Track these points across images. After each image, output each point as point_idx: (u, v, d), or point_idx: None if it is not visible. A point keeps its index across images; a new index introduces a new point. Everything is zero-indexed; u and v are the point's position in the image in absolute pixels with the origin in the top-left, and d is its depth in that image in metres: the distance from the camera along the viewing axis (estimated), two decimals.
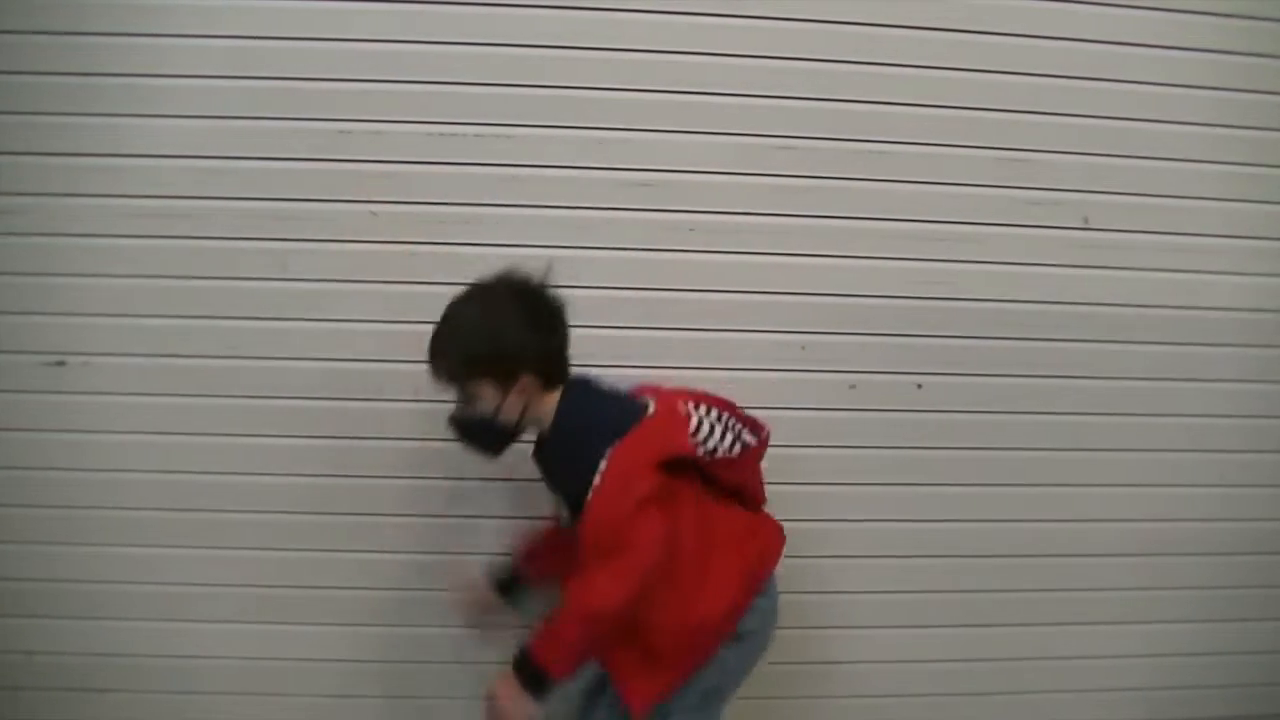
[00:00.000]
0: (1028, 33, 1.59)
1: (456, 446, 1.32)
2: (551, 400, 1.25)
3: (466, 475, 1.56)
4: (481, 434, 1.28)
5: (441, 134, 1.53)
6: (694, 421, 1.27)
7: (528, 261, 1.53)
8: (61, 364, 1.53)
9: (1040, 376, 1.65)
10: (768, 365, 1.60)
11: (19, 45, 1.47)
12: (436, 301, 1.54)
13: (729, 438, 1.28)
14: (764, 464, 1.53)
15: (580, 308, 1.55)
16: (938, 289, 1.61)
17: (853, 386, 1.62)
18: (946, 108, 1.59)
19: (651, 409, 1.26)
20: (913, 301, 1.61)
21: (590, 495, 1.17)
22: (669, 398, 1.30)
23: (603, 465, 1.18)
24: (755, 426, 1.34)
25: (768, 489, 1.43)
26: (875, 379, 1.62)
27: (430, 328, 1.54)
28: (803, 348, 1.60)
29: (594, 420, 1.23)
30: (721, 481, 1.28)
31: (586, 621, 1.17)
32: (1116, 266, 1.64)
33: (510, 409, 1.23)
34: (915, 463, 1.64)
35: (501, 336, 1.21)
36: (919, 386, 1.63)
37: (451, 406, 1.29)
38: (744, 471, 1.32)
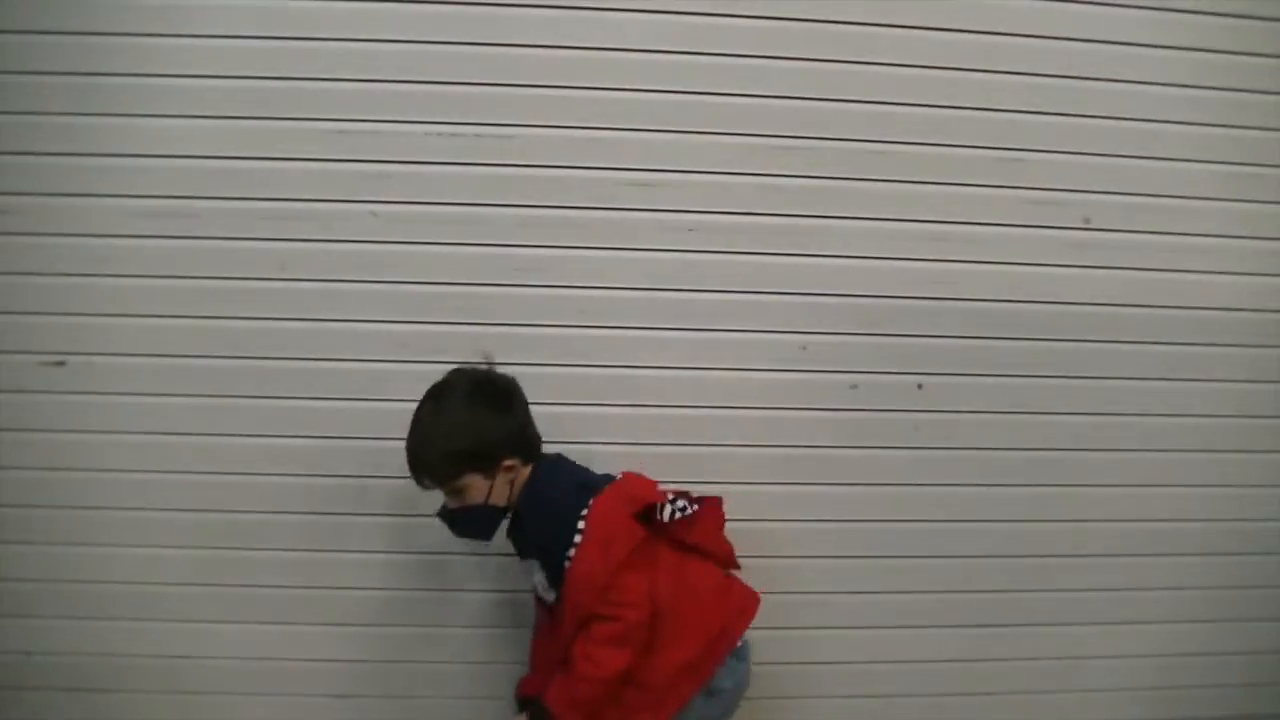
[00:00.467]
0: (1028, 33, 1.61)
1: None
2: (527, 475, 1.37)
3: None
4: (474, 521, 1.36)
5: (441, 134, 1.54)
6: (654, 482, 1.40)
7: (528, 262, 1.56)
8: (61, 364, 1.54)
9: (1040, 376, 1.67)
10: (768, 365, 1.61)
11: (19, 45, 1.50)
12: (437, 301, 1.56)
13: (693, 505, 1.40)
14: (762, 466, 1.54)
15: (581, 308, 1.57)
16: (938, 289, 1.63)
17: (853, 386, 1.63)
18: (946, 108, 1.61)
19: (619, 476, 1.40)
20: (913, 301, 1.63)
21: (574, 551, 1.27)
22: (628, 472, 1.42)
23: (583, 522, 1.28)
24: (706, 500, 1.44)
25: (767, 488, 1.46)
26: (875, 379, 1.63)
27: (430, 328, 1.57)
28: (803, 348, 1.62)
29: (571, 481, 1.35)
30: (690, 542, 1.37)
31: (596, 684, 1.26)
32: (1116, 266, 1.66)
33: (499, 493, 1.33)
34: (915, 463, 1.66)
35: (474, 427, 1.30)
36: (919, 386, 1.64)
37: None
38: (707, 532, 1.41)
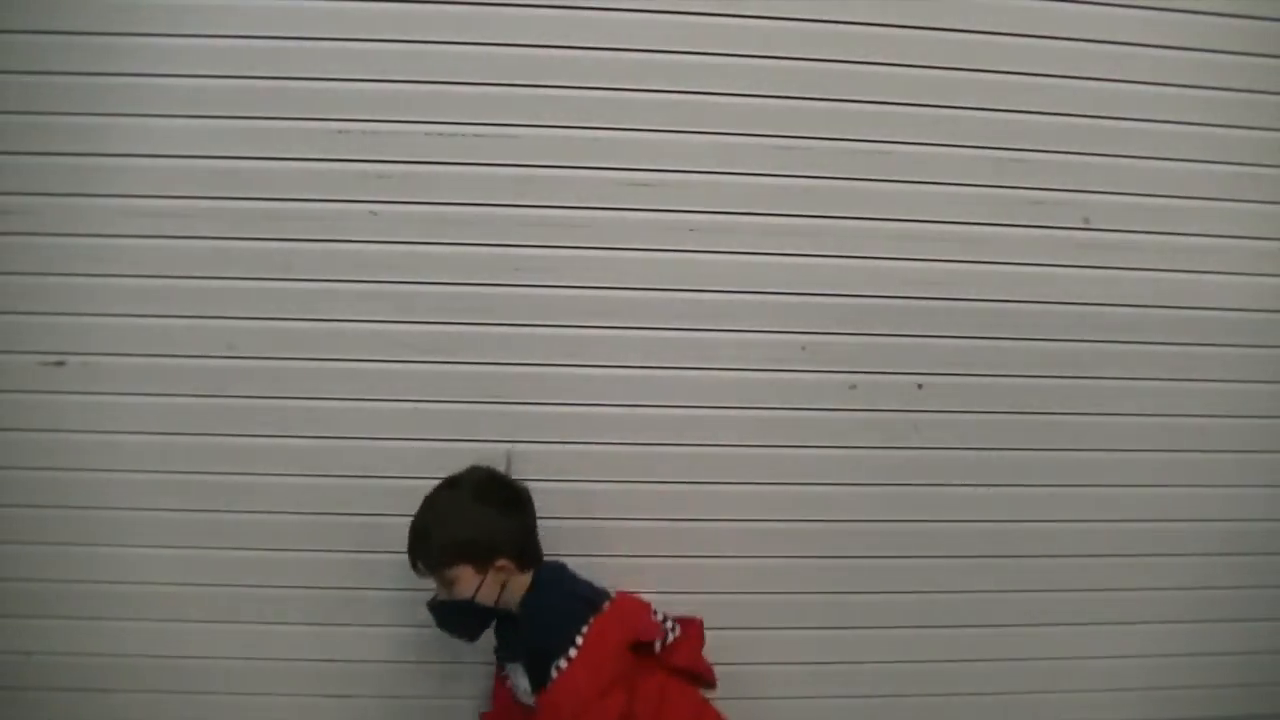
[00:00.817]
0: (1028, 33, 1.63)
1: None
2: (525, 581, 1.40)
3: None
4: (460, 618, 1.40)
5: (441, 134, 1.56)
6: (652, 606, 1.45)
7: (528, 262, 1.57)
8: (61, 364, 1.55)
9: (1040, 376, 1.68)
10: (768, 365, 1.63)
11: (19, 45, 1.51)
12: (437, 301, 1.57)
13: (676, 626, 1.44)
14: (762, 466, 1.57)
15: (581, 308, 1.58)
16: (938, 289, 1.65)
17: (853, 386, 1.64)
18: (946, 108, 1.62)
19: (614, 596, 1.43)
20: (913, 301, 1.64)
21: (565, 664, 1.30)
22: (623, 592, 1.46)
23: (581, 638, 1.32)
24: (686, 621, 1.48)
25: (767, 488, 1.54)
26: (875, 379, 1.64)
27: (431, 328, 1.58)
28: (803, 348, 1.63)
29: (572, 593, 1.39)
30: (676, 666, 1.41)
31: None
32: (1116, 266, 1.68)
33: (488, 591, 1.37)
34: (915, 463, 1.67)
35: (478, 522, 1.36)
36: (919, 386, 1.65)
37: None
38: (691, 653, 1.44)
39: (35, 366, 1.56)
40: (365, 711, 1.65)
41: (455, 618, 1.40)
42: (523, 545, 1.40)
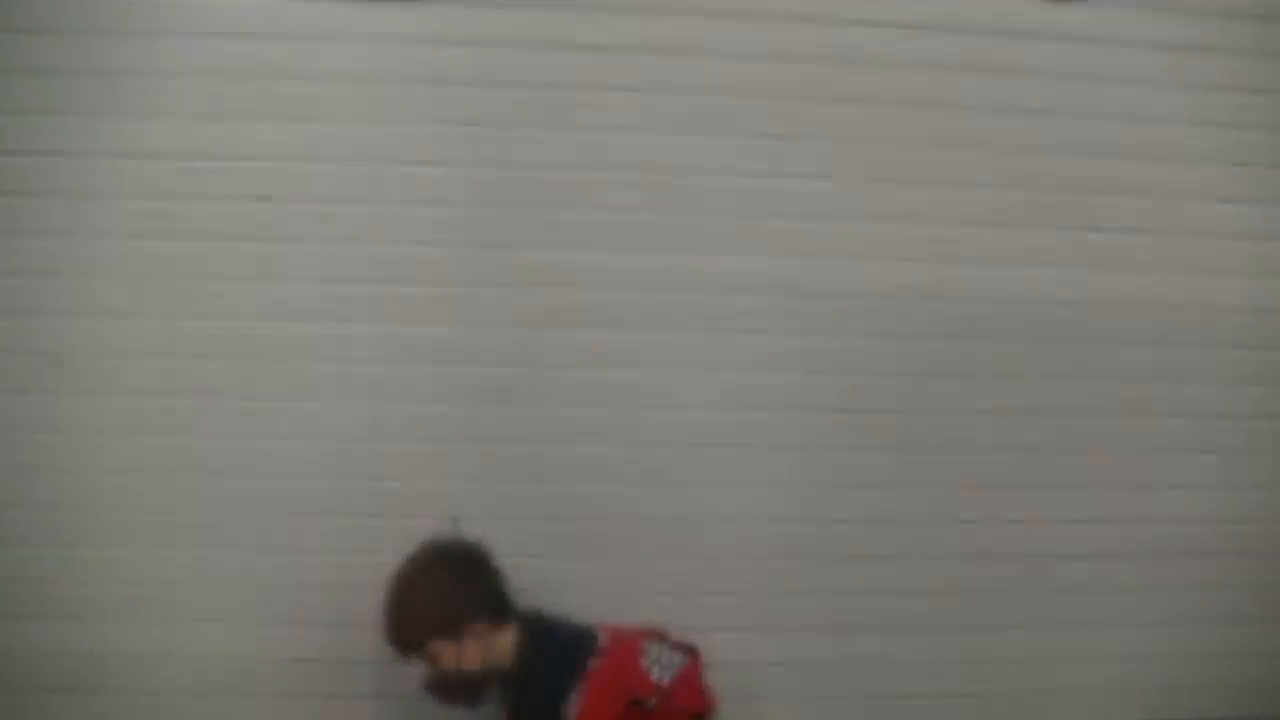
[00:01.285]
0: (1028, 33, 1.63)
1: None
2: (507, 638, 1.40)
3: (468, 477, 1.59)
4: (455, 689, 1.42)
5: (441, 135, 1.55)
6: (643, 645, 1.41)
7: (529, 263, 1.58)
8: (61, 364, 1.55)
9: (1040, 377, 1.70)
10: (768, 366, 1.63)
11: (19, 45, 1.53)
12: (437, 304, 1.58)
13: (676, 656, 1.43)
14: (763, 466, 1.56)
15: (581, 309, 1.59)
16: (938, 289, 1.66)
17: (853, 387, 1.64)
18: (947, 109, 1.63)
19: (602, 638, 1.42)
20: (913, 301, 1.64)
21: None
22: (616, 630, 1.45)
23: (577, 705, 1.33)
24: (688, 648, 1.47)
25: (767, 488, 1.52)
26: (875, 379, 1.65)
27: (431, 330, 1.58)
28: (804, 348, 1.63)
29: (558, 659, 1.39)
30: (676, 708, 1.40)
31: None
32: (1116, 266, 1.67)
33: (470, 658, 1.38)
34: (914, 463, 1.67)
35: (437, 597, 1.37)
36: (919, 387, 1.65)
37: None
38: (690, 696, 1.43)
39: (35, 366, 1.57)
40: (365, 711, 1.66)
41: (451, 690, 1.42)
42: (489, 604, 1.41)
